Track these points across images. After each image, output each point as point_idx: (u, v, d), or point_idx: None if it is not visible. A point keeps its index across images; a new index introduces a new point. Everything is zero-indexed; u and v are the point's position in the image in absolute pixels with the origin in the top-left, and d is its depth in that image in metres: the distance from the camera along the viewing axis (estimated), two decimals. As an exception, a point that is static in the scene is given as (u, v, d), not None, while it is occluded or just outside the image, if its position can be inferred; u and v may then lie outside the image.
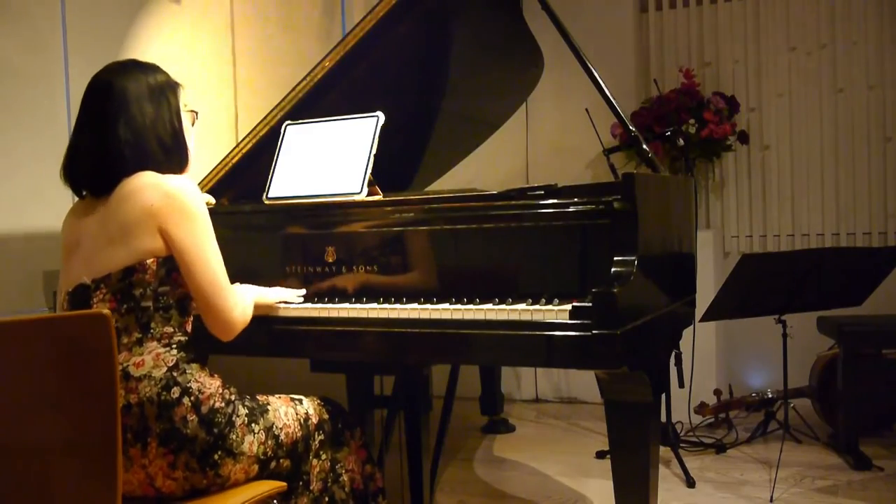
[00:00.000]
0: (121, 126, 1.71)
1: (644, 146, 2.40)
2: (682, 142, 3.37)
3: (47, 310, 2.54)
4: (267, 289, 2.08)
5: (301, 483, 1.80)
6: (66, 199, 1.86)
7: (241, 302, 1.80)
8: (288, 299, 2.09)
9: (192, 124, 1.90)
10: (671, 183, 2.52)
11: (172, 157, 1.79)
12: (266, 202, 2.31)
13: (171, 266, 1.70)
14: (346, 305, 2.03)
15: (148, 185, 1.69)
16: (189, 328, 1.75)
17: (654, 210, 2.06)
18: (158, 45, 3.21)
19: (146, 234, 1.67)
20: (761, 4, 4.31)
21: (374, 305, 2.00)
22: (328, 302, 2.10)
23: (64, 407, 1.38)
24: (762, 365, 4.26)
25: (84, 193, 1.79)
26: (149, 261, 1.67)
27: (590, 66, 2.44)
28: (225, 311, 1.75)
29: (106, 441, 1.36)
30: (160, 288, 1.68)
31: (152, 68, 1.83)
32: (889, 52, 4.09)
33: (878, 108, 4.13)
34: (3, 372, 1.39)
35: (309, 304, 2.08)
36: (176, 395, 1.63)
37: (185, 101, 1.88)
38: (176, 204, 1.68)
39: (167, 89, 1.81)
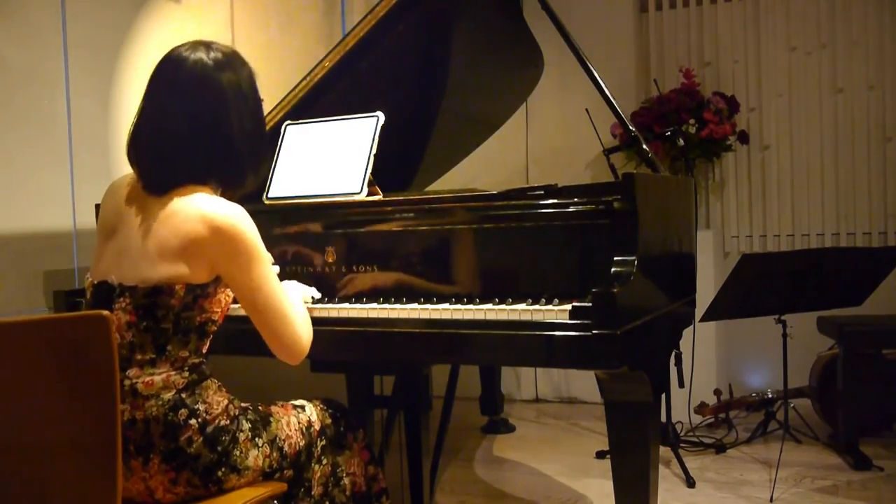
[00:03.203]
0: (193, 126, 1.64)
1: (644, 146, 2.40)
2: (682, 142, 3.37)
3: (47, 310, 2.54)
4: (302, 287, 2.06)
5: (302, 489, 1.79)
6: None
7: (306, 323, 1.75)
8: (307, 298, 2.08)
9: None
10: (671, 183, 2.52)
11: (258, 159, 1.74)
12: (266, 202, 2.31)
13: (199, 293, 1.63)
14: (346, 305, 2.03)
15: (194, 214, 1.60)
16: (205, 349, 1.70)
17: (654, 210, 2.06)
18: (158, 44, 3.20)
19: (185, 262, 1.60)
20: (761, 4, 4.31)
21: (374, 305, 2.00)
22: (328, 302, 2.10)
23: (64, 407, 1.37)
24: (762, 365, 4.26)
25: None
26: (177, 286, 1.60)
27: (590, 66, 2.44)
28: (295, 340, 1.70)
29: (106, 442, 1.36)
30: (182, 313, 1.62)
31: (241, 60, 1.74)
32: (889, 52, 4.09)
33: (878, 108, 4.13)
34: (3, 372, 1.39)
35: (309, 305, 2.08)
36: (183, 417, 1.59)
37: None
38: (227, 241, 1.60)
39: (254, 84, 1.73)
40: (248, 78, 1.74)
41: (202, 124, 1.65)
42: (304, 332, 1.73)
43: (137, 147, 1.69)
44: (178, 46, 1.71)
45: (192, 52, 1.69)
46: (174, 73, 1.68)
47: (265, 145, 1.79)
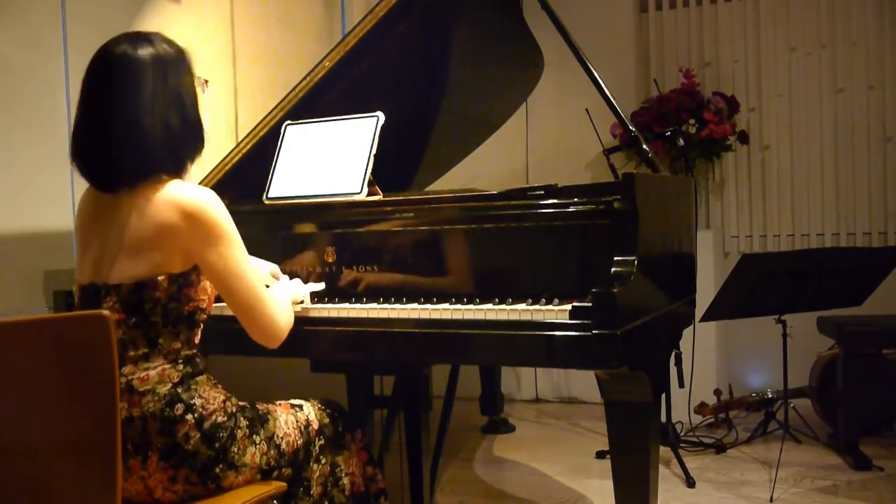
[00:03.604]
0: (130, 119, 1.61)
1: (644, 146, 2.40)
2: (682, 142, 3.37)
3: (47, 310, 2.54)
4: (294, 284, 2.05)
5: (301, 489, 1.79)
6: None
7: (282, 307, 1.77)
8: (306, 296, 2.07)
9: (202, 93, 1.80)
10: (671, 183, 2.52)
11: (188, 142, 1.70)
12: (266, 202, 2.31)
13: (183, 283, 1.65)
14: (346, 305, 2.03)
15: (165, 202, 1.61)
16: (197, 339, 1.71)
17: (654, 210, 2.06)
18: (158, 44, 3.20)
19: (161, 252, 1.61)
20: (761, 4, 4.31)
21: (374, 305, 2.00)
22: (328, 302, 2.10)
23: (63, 407, 1.37)
24: (762, 365, 4.26)
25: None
26: (160, 278, 1.61)
27: (590, 66, 2.44)
28: (270, 322, 1.72)
29: (105, 442, 1.36)
30: (169, 304, 1.63)
31: (163, 41, 1.70)
32: (889, 52, 4.10)
33: (878, 108, 4.13)
34: (2, 372, 1.39)
35: (309, 305, 2.08)
36: (179, 411, 1.60)
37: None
38: (200, 226, 1.61)
39: (181, 65, 1.70)
40: (172, 60, 1.69)
41: (131, 118, 1.62)
42: (279, 315, 1.75)
43: (82, 154, 1.67)
44: (107, 42, 1.68)
45: (115, 45, 1.66)
46: (97, 71, 1.66)
47: (197, 114, 1.74)
